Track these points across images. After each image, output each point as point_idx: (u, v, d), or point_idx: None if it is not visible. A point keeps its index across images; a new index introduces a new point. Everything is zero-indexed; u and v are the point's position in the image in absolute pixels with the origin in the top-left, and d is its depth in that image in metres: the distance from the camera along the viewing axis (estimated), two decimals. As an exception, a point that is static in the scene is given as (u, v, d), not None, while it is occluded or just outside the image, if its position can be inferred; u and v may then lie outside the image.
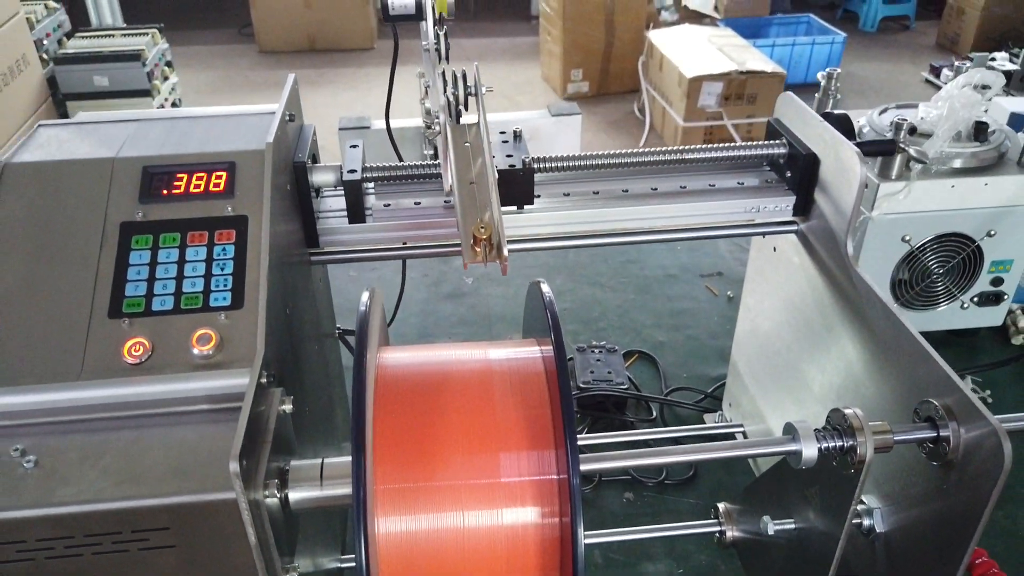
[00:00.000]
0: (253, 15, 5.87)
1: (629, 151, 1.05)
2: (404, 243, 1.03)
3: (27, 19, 3.94)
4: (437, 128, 0.86)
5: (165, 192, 0.81)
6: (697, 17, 5.60)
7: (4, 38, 3.67)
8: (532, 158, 0.99)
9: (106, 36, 4.34)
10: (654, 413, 1.44)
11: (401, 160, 1.10)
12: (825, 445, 0.79)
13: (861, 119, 1.56)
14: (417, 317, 1.69)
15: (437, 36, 0.93)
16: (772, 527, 0.93)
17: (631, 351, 1.59)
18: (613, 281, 1.81)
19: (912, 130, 1.45)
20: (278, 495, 0.69)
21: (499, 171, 0.96)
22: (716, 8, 5.77)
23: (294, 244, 0.95)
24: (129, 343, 0.73)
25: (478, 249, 0.70)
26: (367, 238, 1.01)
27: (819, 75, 1.69)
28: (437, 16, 0.95)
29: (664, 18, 5.59)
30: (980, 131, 1.43)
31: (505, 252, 0.71)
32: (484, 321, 1.68)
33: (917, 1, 6.60)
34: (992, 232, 1.46)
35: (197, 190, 0.81)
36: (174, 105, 4.56)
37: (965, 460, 0.77)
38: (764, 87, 4.46)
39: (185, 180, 0.81)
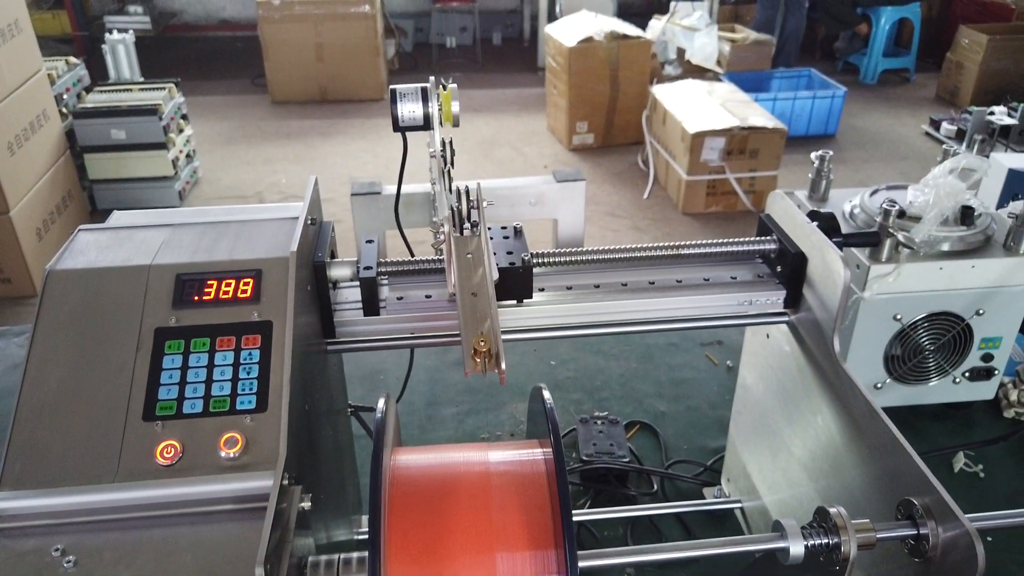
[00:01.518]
0: (266, 66, 6.03)
1: (627, 247, 1.12)
2: (413, 333, 1.09)
3: (48, 75, 4.07)
4: (442, 236, 0.92)
5: (196, 298, 0.87)
6: (700, 71, 5.74)
7: (27, 94, 3.79)
8: (532, 254, 1.06)
9: (124, 91, 4.48)
10: (655, 486, 1.48)
11: (412, 255, 1.16)
12: (811, 543, 0.84)
13: (854, 199, 1.63)
14: (425, 385, 1.75)
15: (443, 143, 1.00)
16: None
17: (633, 422, 1.64)
18: (616, 350, 1.86)
19: (901, 214, 1.52)
20: (297, 593, 0.74)
21: (500, 268, 1.03)
22: (719, 63, 5.90)
23: (312, 335, 1.01)
24: (161, 445, 0.78)
25: (478, 360, 0.76)
26: (381, 329, 1.08)
27: (812, 156, 1.76)
28: (443, 125, 1.02)
29: (668, 72, 5.72)
30: (966, 215, 1.49)
31: (503, 365, 0.77)
32: (489, 390, 1.74)
33: (917, 54, 6.74)
34: (981, 311, 1.52)
35: (226, 296, 0.87)
36: (188, 156, 4.68)
37: (943, 558, 0.82)
38: (766, 142, 4.57)
39: (215, 287, 0.88)
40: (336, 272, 1.06)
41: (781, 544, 0.83)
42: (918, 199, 1.52)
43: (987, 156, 1.77)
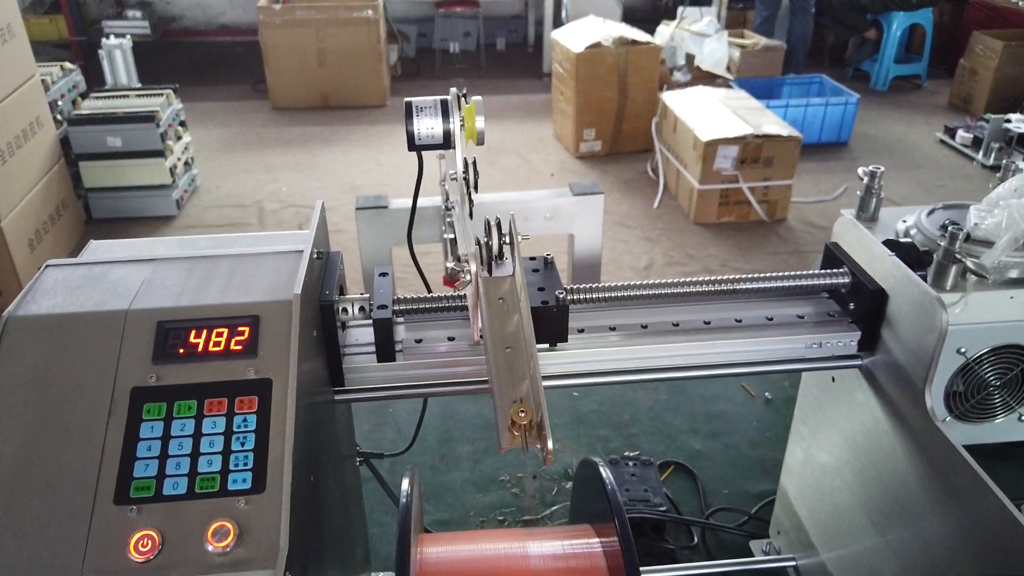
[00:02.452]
0: (267, 72, 5.88)
1: (677, 280, 0.98)
2: (432, 380, 0.95)
3: (42, 80, 3.93)
4: (468, 277, 0.78)
5: (182, 351, 0.73)
6: (710, 78, 5.60)
7: (19, 100, 3.65)
8: (567, 289, 0.92)
9: (121, 97, 4.34)
10: (696, 538, 1.34)
11: (429, 290, 1.02)
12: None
13: (909, 218, 1.49)
14: (438, 419, 1.61)
15: (466, 165, 0.86)
16: None
17: (667, 462, 1.50)
18: (643, 379, 1.72)
19: (967, 237, 1.38)
20: None
21: (531, 308, 0.88)
22: (729, 68, 5.77)
23: (318, 385, 0.87)
24: (136, 536, 0.64)
25: (516, 433, 0.62)
26: (397, 376, 0.94)
27: (860, 171, 1.62)
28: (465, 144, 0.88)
29: (677, 78, 5.59)
30: (1037, 238, 1.36)
31: (549, 444, 0.62)
32: (509, 425, 1.59)
33: (929, 61, 6.60)
34: (1052, 343, 1.38)
35: (216, 348, 0.73)
36: (187, 164, 4.54)
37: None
38: (780, 150, 4.42)
39: (204, 337, 0.74)
40: (343, 311, 0.92)
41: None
42: (985, 221, 1.38)
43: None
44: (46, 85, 4.00)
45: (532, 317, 0.89)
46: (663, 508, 1.35)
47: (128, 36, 4.78)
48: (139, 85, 4.75)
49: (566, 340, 0.93)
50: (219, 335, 0.74)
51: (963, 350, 1.37)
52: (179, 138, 4.44)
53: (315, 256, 0.85)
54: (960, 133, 5.46)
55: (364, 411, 1.61)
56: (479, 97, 0.95)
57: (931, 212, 1.49)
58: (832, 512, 1.12)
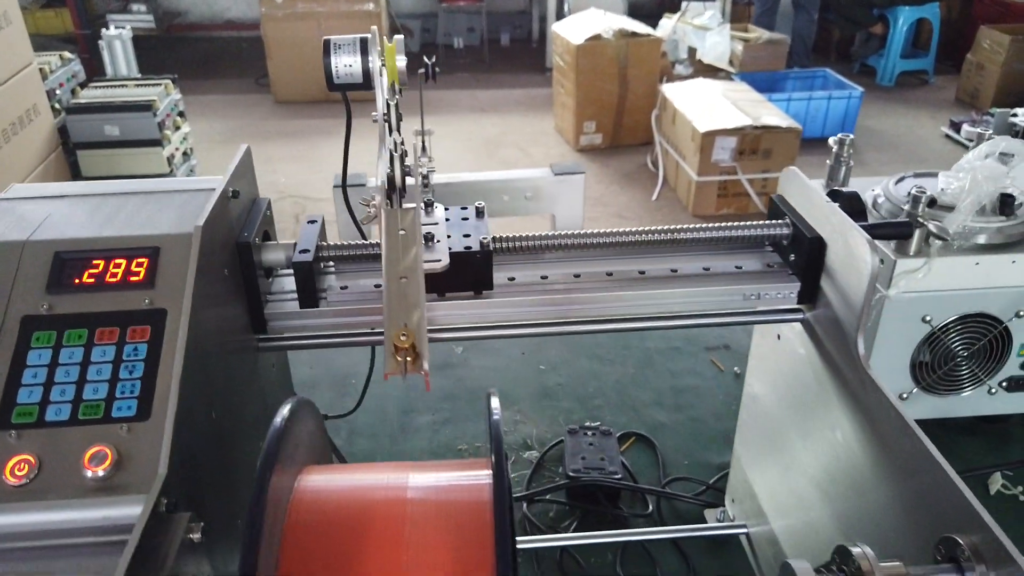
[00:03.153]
0: (269, 66, 5.91)
1: (613, 231, 0.95)
2: (359, 329, 0.93)
3: (40, 69, 3.96)
4: (373, 211, 0.76)
5: (77, 281, 0.71)
6: (712, 71, 5.56)
7: (15, 88, 3.67)
8: (493, 238, 0.90)
9: (120, 86, 4.36)
10: (651, 507, 1.31)
11: (364, 237, 1.00)
12: (829, 593, 0.67)
13: (876, 188, 1.46)
14: (400, 391, 1.59)
15: (388, 106, 0.84)
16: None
17: (628, 433, 1.47)
18: (613, 353, 1.70)
19: (932, 202, 1.34)
20: (173, 647, 0.58)
21: (453, 253, 0.86)
22: (731, 62, 5.73)
23: (235, 331, 0.85)
24: (13, 461, 0.63)
25: (399, 359, 0.60)
26: (320, 324, 0.92)
27: (830, 140, 1.59)
28: (389, 84, 0.86)
29: (679, 72, 5.55)
30: (1006, 204, 1.32)
31: (425, 366, 0.61)
32: (471, 396, 1.57)
33: (936, 56, 6.53)
34: (1021, 313, 1.34)
35: (113, 279, 0.72)
36: (185, 155, 4.56)
37: (995, 617, 0.65)
38: (779, 142, 4.39)
39: (101, 267, 0.72)
40: (268, 256, 0.90)
41: (791, 595, 0.66)
42: (951, 186, 1.34)
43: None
44: (44, 74, 4.02)
45: (455, 262, 0.88)
46: (618, 476, 1.33)
47: (128, 27, 4.80)
48: (139, 76, 4.76)
49: (491, 287, 0.90)
50: (116, 266, 0.72)
51: (928, 318, 1.34)
52: (177, 128, 4.45)
53: (230, 194, 0.83)
54: (966, 128, 5.39)
55: (325, 384, 1.60)
56: (401, 37, 0.93)
57: (900, 180, 1.46)
58: (778, 475, 1.09)
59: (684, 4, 6.10)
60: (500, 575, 0.52)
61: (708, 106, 4.60)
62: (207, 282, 0.75)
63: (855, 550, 0.68)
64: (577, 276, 0.94)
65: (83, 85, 4.37)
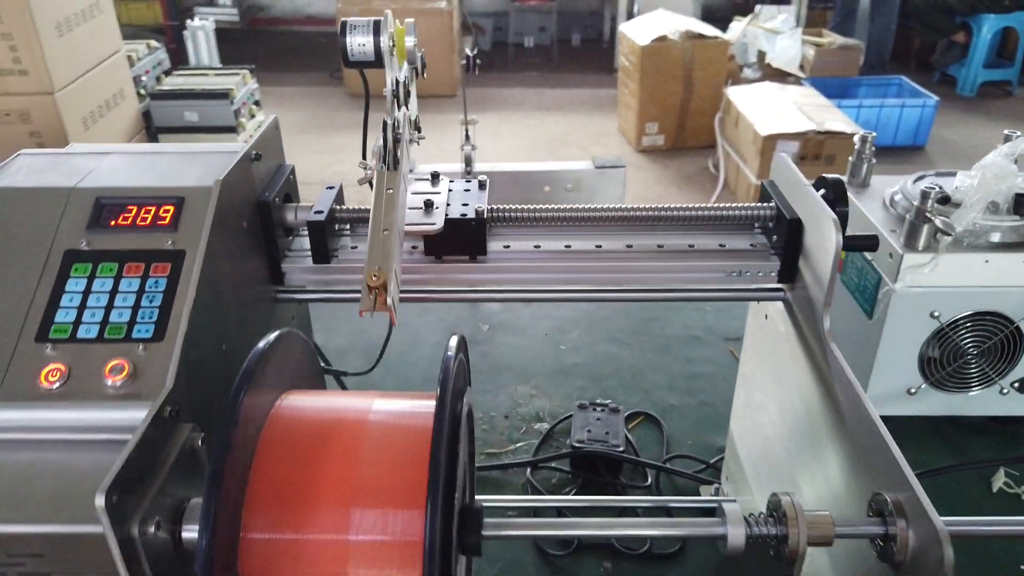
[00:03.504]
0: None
1: (605, 207, 1.02)
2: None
3: (128, 56, 4.21)
4: (370, 173, 0.85)
5: (113, 223, 0.82)
6: (781, 75, 5.51)
7: (104, 72, 3.92)
8: (489, 208, 0.98)
9: (201, 75, 4.60)
10: (649, 480, 1.37)
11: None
12: (755, 532, 0.72)
13: (895, 186, 1.48)
14: (426, 361, 1.68)
15: (396, 82, 0.93)
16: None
17: (637, 412, 1.53)
18: (632, 338, 1.75)
19: (945, 200, 1.37)
20: (167, 534, 0.68)
21: (449, 219, 0.95)
22: (802, 67, 5.66)
23: (253, 281, 0.95)
24: (48, 368, 0.74)
25: (371, 297, 0.69)
26: (332, 279, 1.01)
27: (855, 137, 1.62)
28: (401, 65, 0.95)
29: (746, 75, 5.52)
30: (1020, 204, 1.33)
31: (389, 301, 0.69)
32: (492, 370, 1.66)
33: (1021, 66, 6.30)
34: (1033, 313, 1.34)
35: (143, 223, 0.82)
36: (258, 142, 4.77)
37: (913, 563, 0.69)
38: (843, 148, 4.32)
39: (134, 212, 0.83)
40: (287, 215, 1.00)
41: (719, 531, 0.72)
42: (964, 183, 1.36)
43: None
44: (131, 61, 4.28)
45: (451, 227, 0.96)
46: (620, 449, 1.39)
47: (211, 19, 5.05)
48: (219, 65, 5.01)
49: (484, 253, 0.98)
50: (147, 212, 0.83)
51: (937, 314, 1.35)
52: (252, 116, 4.67)
53: (252, 156, 0.93)
54: (1046, 140, 5.19)
55: (359, 350, 1.70)
56: (412, 20, 1.01)
57: (919, 178, 1.48)
58: (761, 450, 1.14)
59: (757, 7, 6.05)
60: (430, 493, 0.59)
61: (772, 110, 4.57)
62: (224, 231, 0.85)
63: (784, 498, 0.73)
64: (568, 247, 1.01)
65: (167, 73, 4.63)
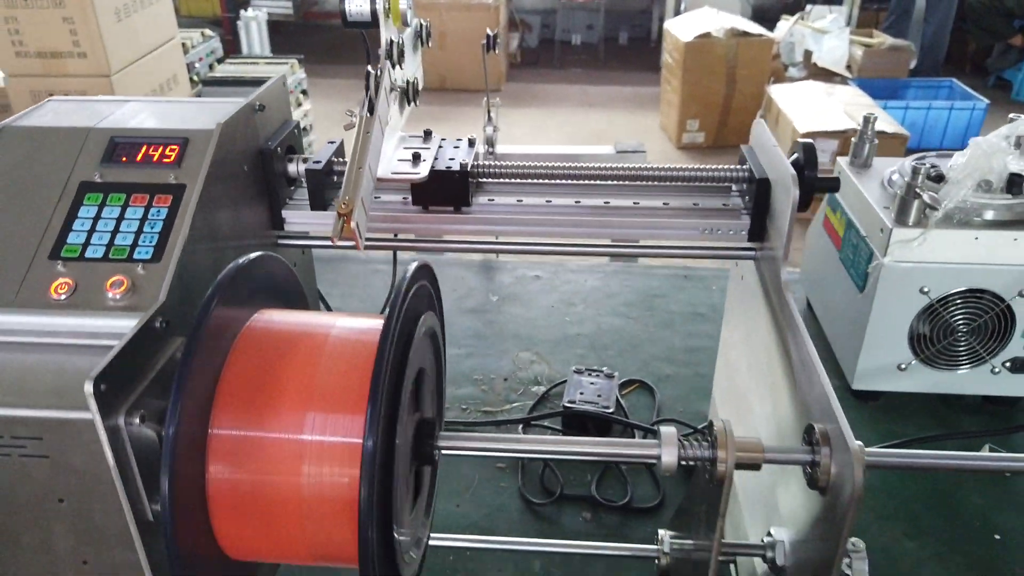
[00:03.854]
0: (392, 53, 6.23)
1: (587, 165, 1.08)
2: (376, 234, 1.09)
3: (183, 44, 4.39)
4: (354, 119, 0.92)
5: (124, 159, 0.91)
6: (827, 75, 5.46)
7: (159, 58, 4.10)
8: (473, 163, 1.04)
9: (251, 63, 4.77)
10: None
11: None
12: (686, 453, 0.77)
13: (894, 165, 1.50)
14: (436, 327, 1.75)
15: (391, 42, 1.00)
16: (668, 545, 0.92)
17: (632, 380, 1.58)
18: (636, 312, 1.80)
19: (939, 177, 1.39)
20: (152, 431, 0.76)
21: (434, 171, 1.01)
22: (850, 68, 5.60)
23: (255, 224, 1.04)
24: (58, 282, 0.83)
25: (339, 224, 0.76)
26: (329, 224, 1.09)
27: (861, 117, 1.65)
28: (397, 26, 1.02)
29: (791, 74, 5.48)
30: (1014, 183, 1.35)
31: (353, 225, 0.76)
32: (496, 337, 1.72)
33: (1081, 71, 6.13)
34: (1024, 292, 1.36)
35: (152, 159, 0.91)
36: (304, 130, 4.92)
37: (834, 488, 0.74)
38: (884, 148, 4.26)
39: (143, 150, 0.92)
40: (288, 165, 1.08)
41: (654, 451, 0.78)
42: (959, 161, 1.38)
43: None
44: (186, 48, 4.46)
45: (436, 179, 1.03)
46: (610, 411, 1.44)
47: (264, 10, 5.22)
48: (270, 55, 5.18)
49: (468, 204, 1.05)
50: (154, 150, 0.92)
51: (927, 290, 1.38)
52: (299, 105, 4.82)
53: (256, 107, 1.02)
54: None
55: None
56: (407, -15, 1.08)
57: (920, 158, 1.50)
58: (734, 406, 1.18)
59: (809, 8, 6.01)
60: (370, 400, 0.65)
61: (812, 108, 4.55)
62: (224, 171, 0.93)
63: (717, 424, 0.78)
64: (548, 202, 1.07)
65: (220, 61, 4.81)
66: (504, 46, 6.40)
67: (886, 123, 4.37)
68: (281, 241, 1.10)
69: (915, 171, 1.33)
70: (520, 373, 1.61)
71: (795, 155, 1.05)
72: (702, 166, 1.08)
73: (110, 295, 0.82)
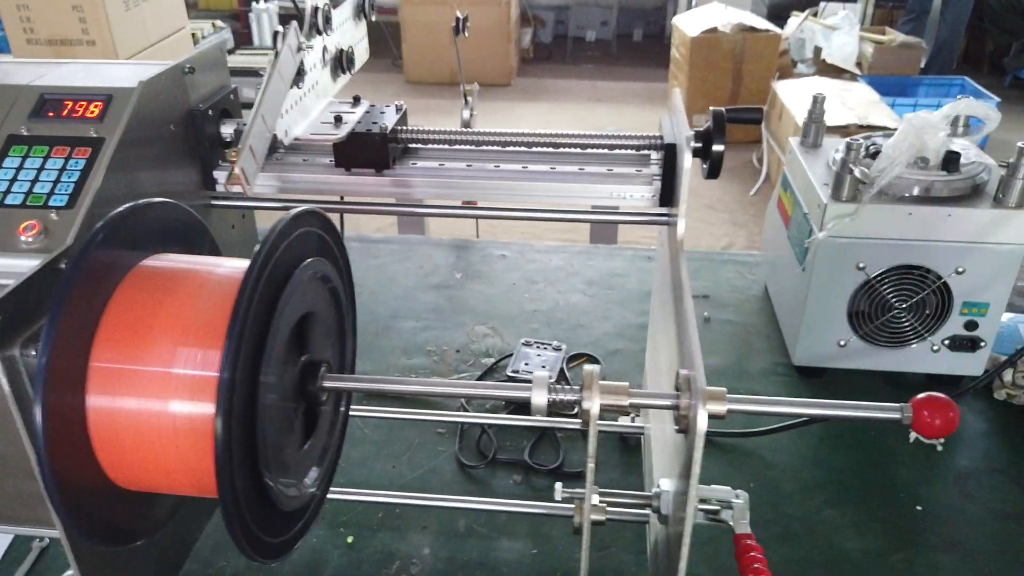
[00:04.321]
0: (404, 47, 6.31)
1: (505, 131, 1.11)
2: (289, 195, 1.13)
3: (193, 34, 4.48)
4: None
5: (51, 114, 0.97)
6: (836, 72, 5.43)
7: (168, 47, 4.18)
8: (395, 128, 1.08)
9: (261, 54, 4.85)
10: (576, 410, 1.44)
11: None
12: (555, 398, 0.81)
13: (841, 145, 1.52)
14: (398, 300, 1.80)
15: (315, 9, 1.05)
16: (559, 495, 0.95)
17: (580, 354, 1.61)
18: (595, 290, 1.83)
19: (875, 154, 1.41)
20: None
21: (353, 132, 1.06)
22: (859, 65, 5.56)
23: (184, 183, 1.09)
24: (-31, 227, 0.88)
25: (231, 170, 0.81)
26: (261, 187, 1.13)
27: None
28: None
29: (799, 71, 5.46)
30: (950, 160, 1.36)
31: (237, 170, 0.80)
32: (455, 311, 1.76)
33: (1099, 71, 6.04)
34: (961, 269, 1.37)
35: (75, 115, 0.96)
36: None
37: (691, 431, 0.77)
38: (887, 144, 4.26)
39: (69, 106, 0.97)
40: (219, 127, 1.13)
41: (525, 394, 0.81)
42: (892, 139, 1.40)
43: None
44: (196, 39, 4.55)
45: (356, 140, 1.07)
46: (552, 381, 1.47)
47: (275, 3, 5.30)
48: (281, 46, 5.26)
49: (388, 167, 1.09)
50: (80, 106, 0.97)
51: (862, 265, 1.39)
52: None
53: (186, 69, 1.06)
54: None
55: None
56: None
57: (867, 137, 1.51)
58: (653, 375, 1.21)
59: (822, 5, 5.98)
60: (228, 334, 0.69)
61: (816, 104, 4.53)
62: (147, 129, 0.98)
63: (586, 367, 0.81)
64: (469, 166, 1.11)
65: (230, 52, 4.90)
66: (516, 41, 6.43)
67: (889, 119, 4.34)
68: (215, 203, 1.15)
69: (849, 147, 1.35)
70: (472, 345, 1.65)
71: (707, 123, 1.08)
72: (618, 133, 1.11)
73: (23, 238, 0.87)
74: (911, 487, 1.31)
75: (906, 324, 1.44)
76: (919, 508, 1.27)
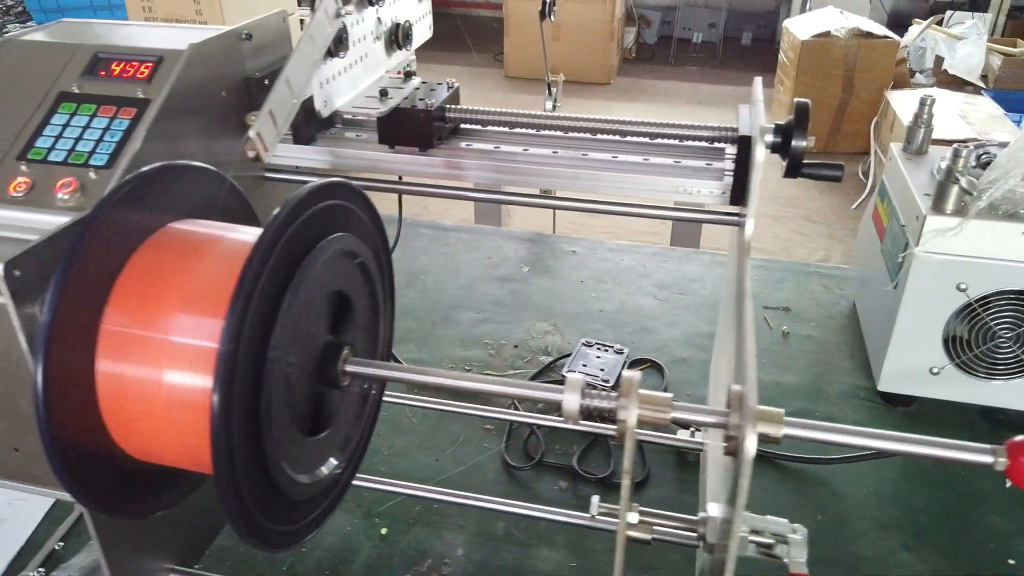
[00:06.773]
0: (506, 42, 6.29)
1: (564, 115, 1.04)
2: (343, 169, 1.09)
3: (301, 20, 4.57)
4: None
5: (103, 73, 0.95)
6: (958, 84, 5.08)
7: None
8: (442, 107, 1.02)
9: (362, 42, 4.91)
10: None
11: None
12: (589, 403, 0.73)
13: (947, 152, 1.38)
14: (461, 290, 1.75)
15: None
16: (596, 509, 0.87)
17: (644, 359, 1.52)
18: (666, 294, 1.73)
19: (987, 164, 1.26)
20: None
21: (397, 108, 1.00)
22: (985, 78, 5.19)
23: (238, 156, 1.06)
24: (17, 180, 0.87)
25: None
26: (312, 158, 1.10)
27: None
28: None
29: (918, 81, 5.14)
30: (1075, 175, 1.20)
31: (252, 134, 0.76)
32: (518, 306, 1.70)
33: None
34: (1079, 298, 1.22)
35: (125, 75, 0.94)
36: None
37: (740, 453, 0.68)
38: (1009, 163, 3.95)
39: (121, 67, 0.95)
40: (275, 96, 1.10)
41: (556, 396, 0.74)
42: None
43: None
44: (303, 24, 4.65)
45: (399, 116, 1.03)
46: (609, 386, 1.39)
47: (380, -9, 5.36)
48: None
49: (431, 146, 1.03)
50: (131, 67, 0.95)
51: (963, 286, 1.25)
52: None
53: (242, 36, 1.04)
54: None
55: (398, 275, 1.79)
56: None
57: (980, 145, 1.37)
58: (714, 387, 1.11)
59: (949, 14, 5.63)
60: (231, 305, 0.65)
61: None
62: (196, 93, 0.96)
63: (627, 375, 0.73)
64: (525, 150, 1.04)
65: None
66: (619, 39, 6.32)
67: (1012, 137, 4.02)
68: (268, 176, 1.12)
69: (956, 154, 1.21)
70: (532, 342, 1.58)
71: (789, 117, 0.98)
72: (689, 123, 1.02)
73: (59, 195, 0.86)
74: (1003, 538, 1.16)
75: (1010, 355, 1.29)
76: (1011, 562, 1.12)
